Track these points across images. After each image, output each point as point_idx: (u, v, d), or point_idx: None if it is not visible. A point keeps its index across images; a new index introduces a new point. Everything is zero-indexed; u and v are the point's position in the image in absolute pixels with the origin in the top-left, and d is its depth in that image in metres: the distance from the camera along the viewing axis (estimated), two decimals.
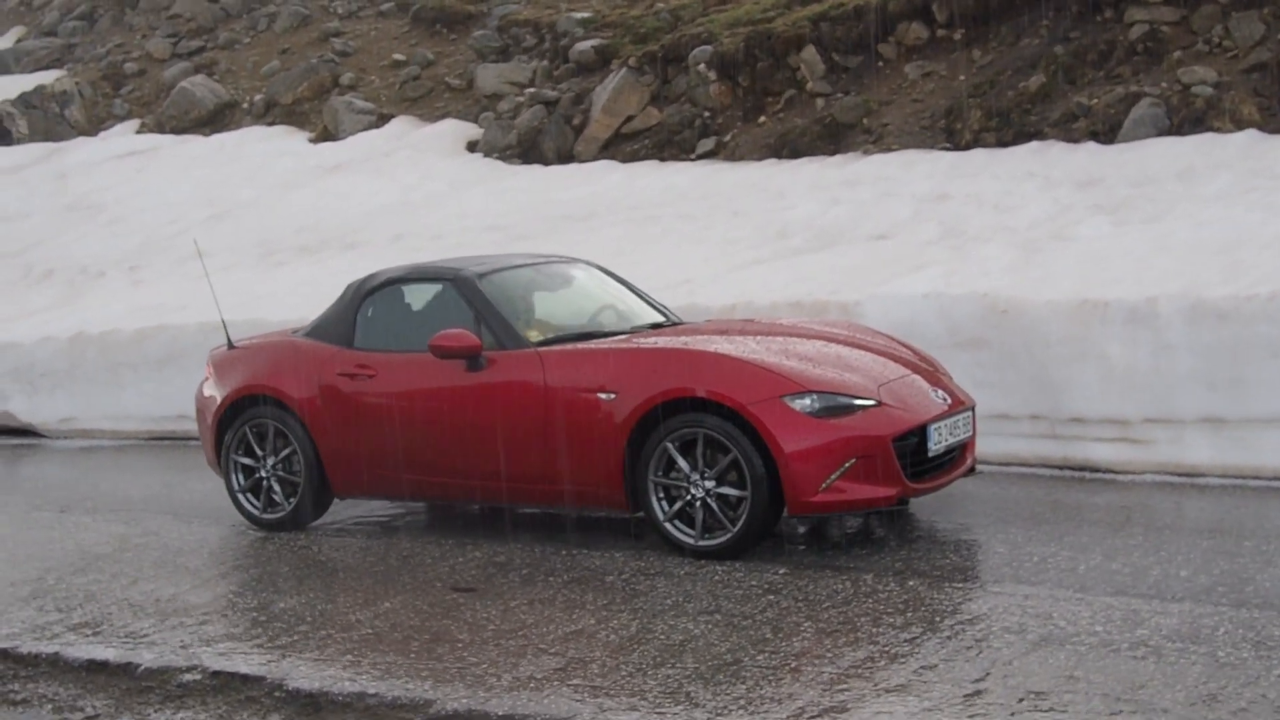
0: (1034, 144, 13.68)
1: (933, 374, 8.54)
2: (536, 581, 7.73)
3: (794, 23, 16.80)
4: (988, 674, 5.89)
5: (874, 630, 6.53)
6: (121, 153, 20.87)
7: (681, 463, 7.88)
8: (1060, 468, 9.75)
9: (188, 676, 6.58)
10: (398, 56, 21.81)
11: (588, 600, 7.31)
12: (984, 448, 9.91)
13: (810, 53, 16.42)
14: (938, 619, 6.63)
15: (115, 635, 7.16)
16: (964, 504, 8.91)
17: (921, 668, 6.02)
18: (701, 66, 16.95)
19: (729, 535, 7.81)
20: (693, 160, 16.32)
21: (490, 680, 6.19)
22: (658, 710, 5.72)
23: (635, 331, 8.84)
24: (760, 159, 15.73)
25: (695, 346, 8.12)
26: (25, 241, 18.40)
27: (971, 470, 8.69)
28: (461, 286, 8.82)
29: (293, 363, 9.22)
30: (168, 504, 10.31)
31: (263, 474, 9.30)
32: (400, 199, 16.64)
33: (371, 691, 6.18)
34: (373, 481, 8.99)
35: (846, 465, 7.67)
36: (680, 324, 9.25)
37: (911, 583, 7.24)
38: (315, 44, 22.76)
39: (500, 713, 5.84)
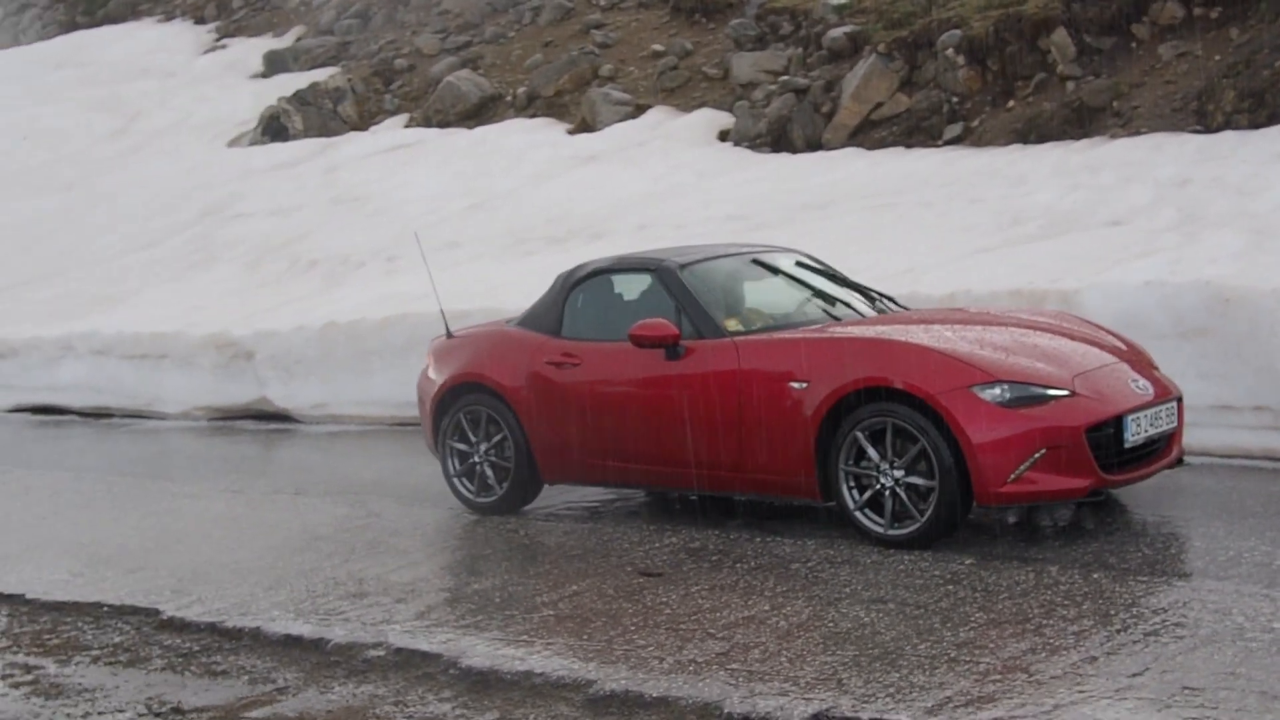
0: None
1: (1137, 363, 8.37)
2: (723, 567, 7.85)
3: (1045, 4, 16.51)
4: (1147, 668, 5.81)
5: (1044, 622, 6.48)
6: (388, 147, 21.61)
7: (871, 452, 7.91)
8: None
9: (373, 653, 6.88)
10: (657, 47, 22.07)
11: (767, 586, 7.40)
12: (1207, 439, 9.69)
13: (1061, 35, 16.12)
14: (1112, 612, 6.55)
15: (315, 612, 7.53)
16: (1175, 496, 8.73)
17: (1081, 660, 5.97)
18: (950, 51, 16.79)
19: (917, 525, 7.82)
20: (939, 146, 16.17)
21: (653, 663, 6.34)
22: (805, 696, 5.80)
23: (836, 321, 8.85)
24: (1006, 144, 15.53)
25: (887, 336, 8.13)
26: (294, 233, 19.20)
27: (1180, 462, 8.51)
28: (664, 276, 8.98)
29: (504, 351, 9.51)
30: (395, 488, 10.69)
31: (476, 459, 9.61)
32: (648, 189, 16.88)
33: (539, 671, 6.40)
34: (579, 468, 9.22)
35: (1036, 456, 7.60)
36: (886, 313, 9.22)
37: (1096, 575, 7.14)
38: (577, 36, 23.19)
39: (654, 694, 6.00)
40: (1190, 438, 9.58)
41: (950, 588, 7.13)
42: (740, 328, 8.72)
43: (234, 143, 24.32)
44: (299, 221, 19.77)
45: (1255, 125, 13.69)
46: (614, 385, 8.95)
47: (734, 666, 6.23)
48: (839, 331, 8.41)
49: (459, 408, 9.66)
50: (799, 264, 9.69)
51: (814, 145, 17.72)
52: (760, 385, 8.31)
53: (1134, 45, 15.87)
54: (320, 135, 23.19)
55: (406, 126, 22.91)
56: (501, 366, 9.46)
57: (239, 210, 20.98)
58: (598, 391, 9.02)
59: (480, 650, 6.71)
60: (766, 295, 9.25)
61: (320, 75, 24.96)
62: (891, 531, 7.91)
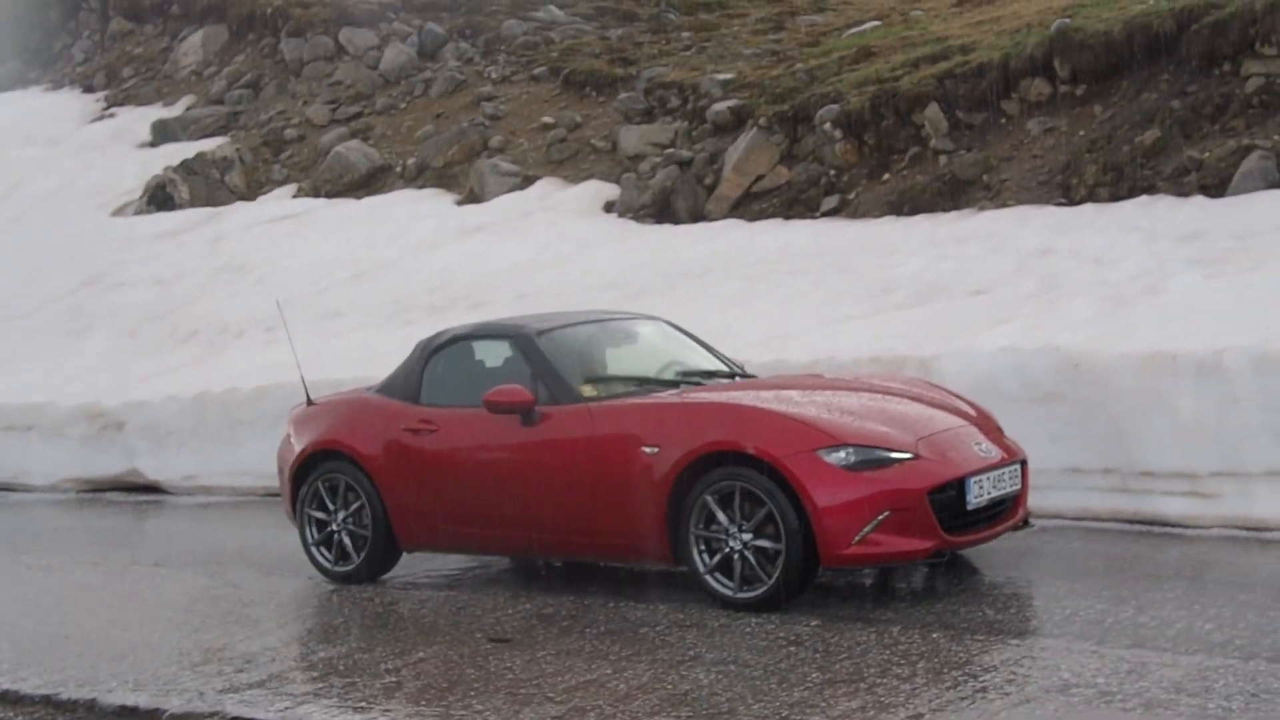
0: (1143, 198, 13.54)
1: (984, 427, 8.53)
2: (573, 633, 7.89)
3: (919, 81, 16.84)
4: None
5: (877, 681, 6.58)
6: (275, 216, 21.57)
7: (720, 516, 7.99)
8: (1131, 521, 9.65)
9: None
10: (546, 119, 22.24)
11: (613, 651, 7.45)
12: (1057, 502, 9.90)
13: (934, 110, 16.44)
14: (945, 670, 6.66)
15: (155, 682, 7.44)
16: (1023, 558, 8.90)
17: (908, 717, 6.05)
18: (828, 125, 17.06)
19: (765, 587, 7.90)
20: (816, 218, 16.39)
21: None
22: None
23: (692, 387, 8.94)
24: (881, 216, 15.76)
25: (735, 401, 8.24)
26: (177, 303, 19.11)
27: (1025, 523, 8.68)
28: (521, 343, 9.06)
29: (362, 418, 9.53)
30: (258, 558, 10.66)
31: (334, 527, 9.61)
32: (531, 258, 16.98)
33: None
34: (436, 535, 9.25)
35: (880, 518, 7.72)
36: (742, 379, 9.33)
37: (935, 634, 7.26)
38: (468, 108, 23.31)
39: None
40: (1042, 500, 9.81)
41: (792, 649, 7.22)
42: (595, 393, 8.79)
43: (118, 212, 24.15)
44: (181, 290, 19.68)
45: (1115, 198, 13.99)
46: (470, 451, 9.00)
47: None
48: (691, 397, 8.51)
49: (317, 475, 9.66)
50: (660, 331, 9.79)
51: (697, 216, 17.89)
52: (612, 450, 8.39)
53: (1004, 121, 16.20)
54: (207, 205, 23.09)
55: (295, 196, 22.88)
56: (359, 434, 9.48)
57: (120, 279, 20.84)
58: (454, 458, 9.06)
59: (316, 718, 6.68)
60: (625, 362, 9.36)
61: (208, 145, 24.86)
62: (740, 594, 7.99)
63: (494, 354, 9.30)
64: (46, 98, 30.16)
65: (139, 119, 27.37)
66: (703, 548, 8.10)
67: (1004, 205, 14.79)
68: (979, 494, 8.05)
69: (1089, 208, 13.77)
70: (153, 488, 14.90)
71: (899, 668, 6.76)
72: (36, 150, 27.55)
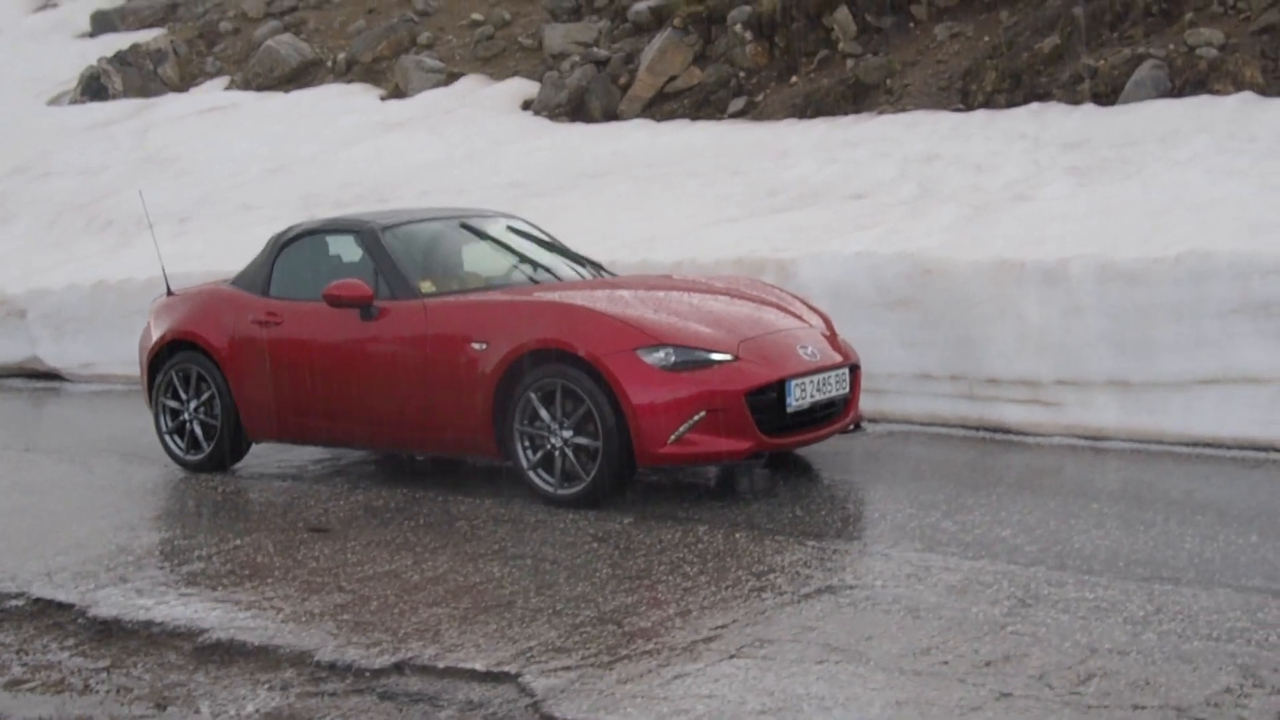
0: (1035, 105, 13.57)
1: (816, 332, 8.59)
2: (392, 525, 8.00)
3: None
4: (733, 622, 6.02)
5: (663, 577, 6.69)
6: (203, 109, 21.49)
7: (543, 413, 8.08)
8: (976, 428, 9.76)
9: (13, 603, 6.94)
10: (476, 16, 22.11)
11: (422, 543, 7.56)
12: (906, 407, 10.02)
13: (843, 13, 16.40)
14: (731, 569, 6.76)
15: None
16: (859, 462, 9.02)
17: (676, 613, 6.17)
18: (738, 27, 17.00)
19: (583, 484, 8.01)
20: (722, 120, 16.38)
21: (270, 613, 6.47)
22: (396, 646, 5.95)
23: (531, 285, 9.00)
24: (785, 119, 15.75)
25: (562, 299, 8.31)
26: (97, 194, 19.06)
27: (857, 427, 8.78)
28: (365, 238, 9.11)
29: (215, 310, 9.59)
30: (129, 446, 10.68)
31: (186, 416, 9.69)
32: (444, 156, 16.97)
33: (159, 620, 6.50)
34: (281, 426, 9.33)
35: (695, 418, 7.81)
36: (587, 279, 9.37)
37: (738, 535, 7.37)
38: (401, 3, 23.16)
39: (256, 643, 6.14)
40: (892, 405, 9.95)
41: (595, 545, 7.33)
42: (434, 290, 8.84)
43: (54, 101, 24.05)
44: (105, 181, 19.63)
45: (1011, 104, 14.01)
46: (312, 345, 9.07)
47: (345, 618, 6.37)
48: (520, 295, 8.57)
49: (171, 365, 9.73)
50: (511, 230, 9.83)
51: (610, 116, 17.87)
52: (443, 346, 8.46)
53: (912, 25, 16.18)
54: (140, 96, 23.00)
55: (226, 89, 22.80)
56: (210, 325, 9.55)
57: (47, 169, 20.77)
58: (297, 350, 9.13)
59: (114, 600, 6.80)
60: (474, 260, 9.39)
61: (145, 36, 24.70)
62: (561, 491, 8.10)
63: (341, 249, 9.34)
64: None
65: (81, 10, 27.23)
66: (526, 444, 8.20)
67: (903, 110, 14.80)
68: (800, 397, 8.14)
69: (981, 114, 13.79)
70: (53, 374, 14.96)
71: (689, 565, 6.87)
72: None
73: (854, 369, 8.66)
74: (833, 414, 8.51)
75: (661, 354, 7.88)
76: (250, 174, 18.27)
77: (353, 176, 17.07)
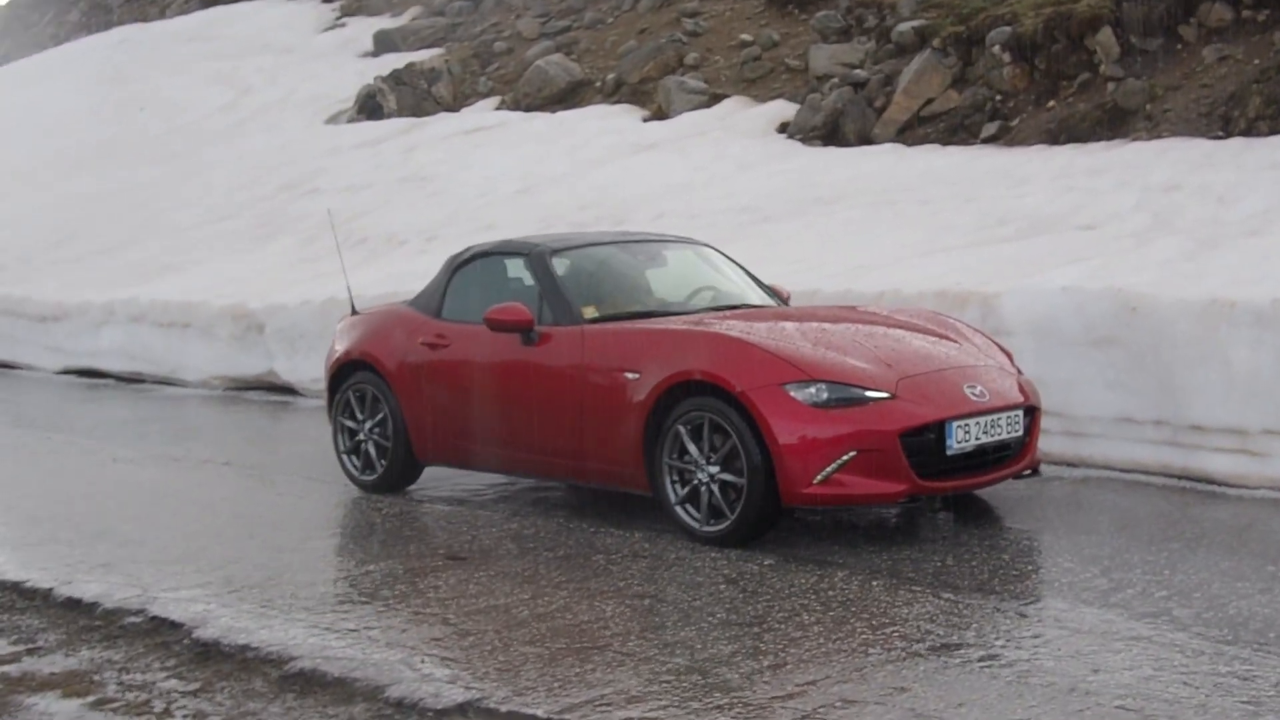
0: None
1: (987, 370, 8.07)
2: (529, 555, 7.77)
3: (1096, 3, 15.99)
4: (824, 678, 5.64)
5: (774, 625, 6.34)
6: (469, 128, 21.75)
7: (691, 447, 7.76)
8: (1179, 477, 9.05)
9: (131, 619, 6.94)
10: (745, 37, 21.88)
11: (551, 576, 7.31)
12: (1107, 452, 9.41)
13: (1106, 34, 15.63)
14: (848, 621, 6.36)
15: (117, 576, 7.61)
16: (1043, 509, 8.45)
17: (769, 665, 5.80)
18: (996, 48, 16.37)
19: (728, 522, 7.65)
20: (972, 145, 15.78)
21: (364, 642, 6.30)
22: (469, 685, 5.70)
23: (697, 314, 8.67)
24: (1038, 144, 15.08)
25: (715, 330, 7.97)
26: (357, 210, 19.41)
27: (1034, 472, 8.22)
28: (534, 261, 8.93)
29: (390, 331, 9.53)
30: (321, 465, 10.67)
31: (362, 436, 9.64)
32: (686, 179, 16.76)
33: (254, 645, 6.38)
34: (447, 450, 9.21)
35: (845, 458, 7.40)
36: (758, 309, 8.99)
37: (875, 583, 6.95)
38: (671, 24, 23.09)
39: (335, 674, 5.96)
40: (1092, 449, 9.39)
41: (722, 587, 6.98)
42: (597, 315, 8.60)
43: (332, 120, 24.70)
44: (365, 199, 20.01)
45: (1275, 131, 13.13)
46: (475, 368, 8.93)
47: (435, 652, 6.15)
48: (679, 324, 8.25)
49: (349, 384, 9.71)
50: (695, 256, 9.54)
51: (864, 139, 17.40)
52: (599, 374, 8.22)
53: (1179, 47, 15.32)
54: (413, 115, 23.42)
55: (496, 109, 23.03)
56: (385, 346, 9.49)
57: (315, 186, 21.31)
58: (461, 374, 9.01)
59: (222, 622, 6.71)
60: (644, 286, 9.11)
61: (423, 56, 25.19)
62: (706, 528, 7.76)
63: (513, 271, 9.18)
64: (285, 7, 31.01)
65: (366, 29, 27.93)
66: (675, 478, 7.89)
67: (1158, 137, 14.00)
68: (963, 439, 7.63)
69: (1238, 142, 12.94)
70: (287, 388, 15.22)
71: (808, 614, 6.48)
72: (269, 59, 28.35)
73: (1031, 410, 8.10)
74: (1005, 457, 7.96)
75: (812, 389, 7.48)
76: (499, 194, 18.36)
77: (594, 198, 16.99)
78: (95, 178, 25.97)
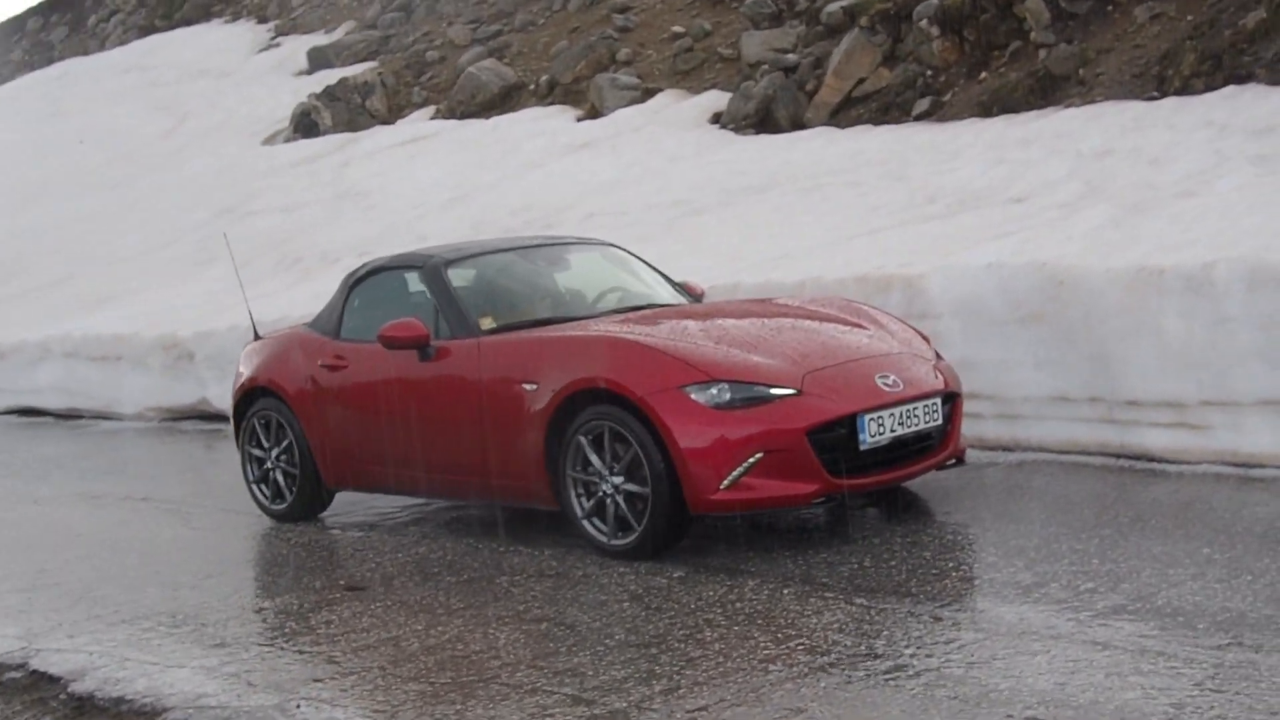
0: (1230, 89, 12.30)
1: (902, 357, 7.68)
2: (432, 581, 7.40)
3: None
4: (718, 702, 5.26)
5: (673, 645, 5.96)
6: (404, 140, 21.37)
7: (593, 458, 7.37)
8: (1117, 456, 8.66)
9: (11, 674, 6.56)
10: (677, 28, 21.50)
11: (449, 603, 6.95)
12: (1042, 433, 9.02)
13: (1035, 1, 15.23)
14: (753, 636, 5.98)
15: None
16: (974, 497, 8.09)
17: (661, 691, 5.42)
18: (924, 23, 16.00)
19: (634, 535, 7.27)
20: (909, 123, 15.41)
21: (240, 687, 5.92)
22: (371, 700, 5.35)
23: (594, 318, 8.27)
24: (971, 118, 14.71)
25: (610, 334, 7.57)
26: (293, 231, 19.04)
27: (958, 461, 7.85)
28: (428, 274, 8.54)
29: (289, 354, 9.15)
30: (243, 496, 10.29)
31: (269, 465, 9.26)
32: (618, 177, 16.39)
33: (128, 697, 6.01)
34: (353, 474, 8.84)
35: (751, 461, 7.01)
36: (660, 309, 8.58)
37: (786, 591, 6.59)
38: (603, 21, 22.70)
39: (271, 703, 5.59)
40: (1029, 431, 9.05)
41: (625, 605, 6.62)
42: (494, 326, 8.21)
43: (268, 140, 24.31)
44: (300, 219, 19.63)
45: (1211, 88, 12.75)
46: (374, 389, 8.55)
47: (311, 693, 5.78)
48: (576, 330, 7.85)
49: (253, 412, 9.33)
50: (601, 259, 9.17)
51: (797, 124, 17.04)
52: (497, 387, 7.83)
53: (1110, 8, 14.96)
54: (348, 130, 23.04)
55: (432, 118, 22.64)
56: (285, 370, 9.11)
57: (251, 209, 20.92)
58: (361, 395, 8.63)
59: (101, 674, 6.34)
60: (547, 293, 8.72)
61: (357, 70, 24.79)
62: (614, 541, 7.38)
63: (407, 286, 8.78)
64: (222, 30, 30.61)
65: (300, 47, 27.56)
66: (580, 491, 7.50)
67: (1092, 102, 13.64)
68: (877, 432, 7.24)
69: (1170, 102, 12.58)
70: (221, 416, 14.81)
71: (711, 630, 6.10)
72: (207, 84, 27.98)
73: (951, 397, 7.71)
74: (927, 448, 7.57)
75: (714, 390, 7.09)
76: (432, 204, 17.97)
77: (526, 202, 16.62)
78: (38, 212, 25.56)
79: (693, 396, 7.06)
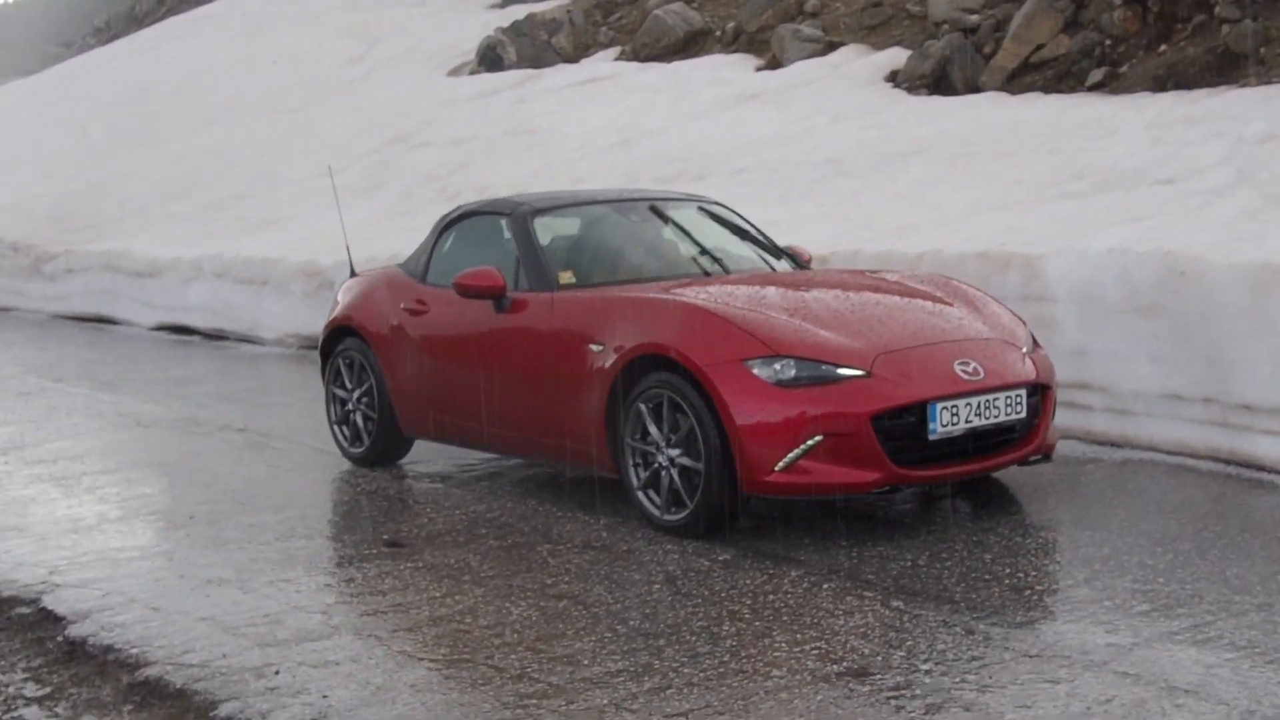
0: None
1: (989, 344, 7.22)
2: (472, 544, 7.19)
3: None
4: (703, 708, 4.96)
5: (684, 637, 5.66)
6: (581, 80, 21.11)
7: (651, 428, 7.08)
8: (1226, 461, 8.11)
9: (20, 609, 6.49)
10: None
11: (477, 570, 6.73)
12: (1152, 432, 8.53)
13: None
14: (770, 634, 5.66)
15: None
16: (1068, 497, 7.61)
17: (649, 690, 5.14)
18: None
19: (686, 512, 6.96)
20: (1081, 93, 14.73)
21: (235, 653, 5.74)
22: (310, 703, 5.13)
23: (679, 280, 7.93)
24: (1146, 92, 14.00)
25: (682, 299, 7.24)
26: (458, 164, 18.96)
27: (1045, 458, 7.39)
28: (515, 222, 8.29)
29: (376, 295, 8.98)
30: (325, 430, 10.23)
31: (350, 406, 9.12)
32: (778, 132, 15.95)
33: (118, 645, 5.89)
34: (427, 424, 8.65)
35: (810, 443, 6.66)
36: (749, 274, 8.21)
37: (826, 586, 6.25)
38: None
39: (178, 685, 5.42)
40: (1138, 429, 8.61)
41: (655, 587, 6.34)
42: (574, 281, 7.93)
43: (454, 72, 24.26)
44: (468, 152, 19.52)
45: None
46: (450, 336, 8.35)
47: (295, 660, 5.59)
48: (653, 292, 7.52)
49: (338, 352, 9.20)
50: (704, 214, 8.82)
51: (971, 88, 16.38)
52: (565, 345, 7.58)
53: None
54: (532, 66, 22.84)
55: (616, 60, 22.34)
56: (370, 311, 8.95)
57: (424, 139, 20.88)
58: (437, 342, 8.43)
59: (101, 618, 6.26)
60: (637, 249, 8.40)
61: (548, 6, 24.58)
62: (666, 517, 7.10)
63: (494, 232, 8.53)
64: None
65: None
66: (638, 460, 7.22)
67: (1269, 82, 12.85)
68: (950, 422, 6.82)
69: None
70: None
71: (729, 623, 5.80)
72: (401, 11, 28.02)
73: (1040, 390, 7.24)
74: (1011, 440, 7.12)
75: (778, 366, 6.73)
76: (595, 147, 17.71)
77: (684, 151, 16.28)
78: (224, 131, 25.90)
79: (755, 371, 6.72)
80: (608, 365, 7.23)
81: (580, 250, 8.23)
